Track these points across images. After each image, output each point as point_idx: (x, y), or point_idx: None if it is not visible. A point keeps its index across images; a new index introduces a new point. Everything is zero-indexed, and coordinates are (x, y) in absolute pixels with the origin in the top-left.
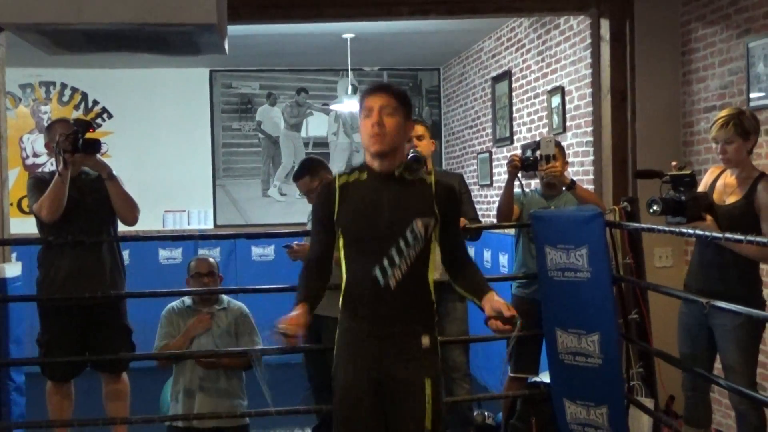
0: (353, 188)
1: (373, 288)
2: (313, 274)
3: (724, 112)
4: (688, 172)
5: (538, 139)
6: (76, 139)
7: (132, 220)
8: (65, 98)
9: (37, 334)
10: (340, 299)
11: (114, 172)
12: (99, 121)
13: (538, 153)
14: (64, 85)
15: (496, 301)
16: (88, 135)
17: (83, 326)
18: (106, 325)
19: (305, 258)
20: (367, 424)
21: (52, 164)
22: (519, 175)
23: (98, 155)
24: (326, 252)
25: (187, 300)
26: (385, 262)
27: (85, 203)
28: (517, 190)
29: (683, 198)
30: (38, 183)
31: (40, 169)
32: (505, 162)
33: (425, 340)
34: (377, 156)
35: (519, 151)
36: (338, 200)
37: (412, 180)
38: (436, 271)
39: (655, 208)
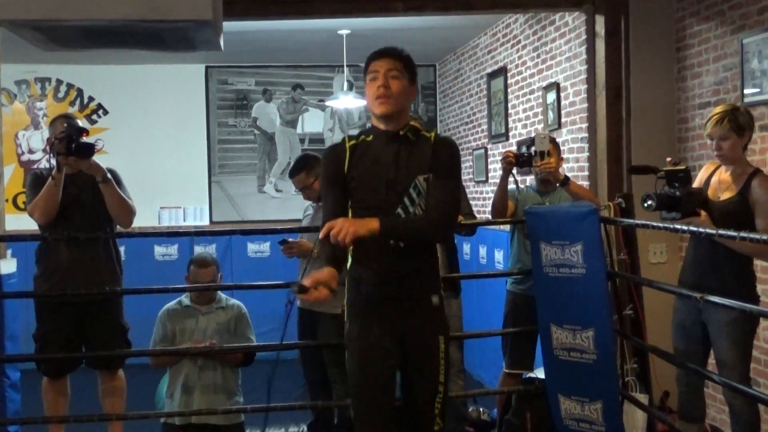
0: (361, 149)
1: (383, 248)
2: (333, 245)
3: (718, 109)
4: (682, 167)
5: (533, 135)
6: (69, 143)
7: (126, 223)
8: (61, 94)
9: (34, 329)
10: (349, 263)
11: (113, 172)
12: (94, 117)
13: (532, 149)
14: (59, 82)
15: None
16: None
17: (79, 322)
18: (102, 322)
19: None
20: (385, 381)
21: (47, 161)
22: (513, 171)
23: (93, 158)
24: (344, 214)
25: (185, 300)
26: None
27: (82, 200)
28: (511, 186)
29: (678, 194)
30: (36, 180)
31: (36, 165)
32: (500, 158)
33: (435, 299)
34: (383, 118)
35: (514, 147)
36: (348, 160)
37: (416, 139)
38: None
39: (649, 203)
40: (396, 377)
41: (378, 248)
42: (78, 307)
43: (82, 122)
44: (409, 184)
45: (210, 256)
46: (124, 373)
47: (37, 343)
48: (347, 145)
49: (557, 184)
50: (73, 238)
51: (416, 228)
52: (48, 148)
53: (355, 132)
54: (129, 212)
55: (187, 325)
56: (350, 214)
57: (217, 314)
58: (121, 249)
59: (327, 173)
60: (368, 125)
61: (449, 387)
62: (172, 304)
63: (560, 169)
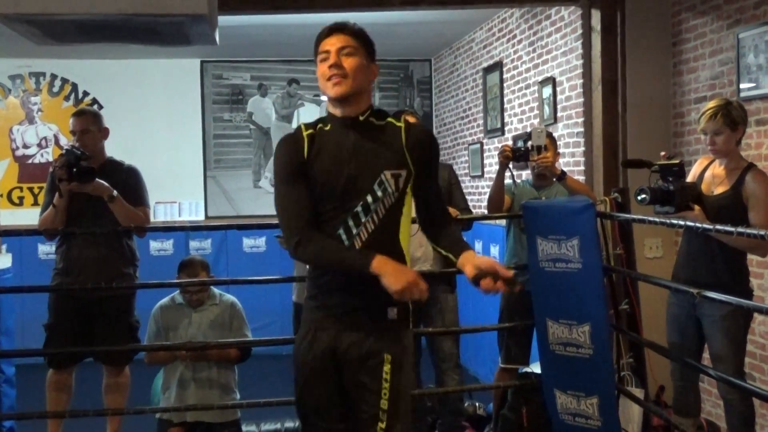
0: (318, 139)
1: None
2: (324, 238)
3: (712, 104)
4: (676, 161)
5: (529, 130)
6: (70, 170)
7: (139, 234)
8: (55, 89)
9: (46, 320)
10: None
11: (134, 172)
12: None
13: (529, 144)
14: (54, 76)
15: (480, 259)
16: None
17: (86, 318)
18: (110, 319)
19: (299, 226)
20: (326, 404)
21: (42, 155)
22: (510, 165)
23: (96, 179)
24: (311, 210)
25: (178, 297)
26: (351, 221)
27: (94, 201)
28: (507, 180)
29: (671, 188)
30: (51, 181)
31: (31, 161)
32: (497, 153)
33: (392, 312)
34: (338, 101)
35: (510, 142)
36: (306, 151)
37: (381, 126)
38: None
39: (643, 196)
40: (341, 394)
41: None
42: (86, 303)
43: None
44: (374, 180)
45: (200, 259)
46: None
47: (46, 333)
48: (304, 133)
49: (554, 179)
50: (85, 236)
51: (459, 241)
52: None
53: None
54: (139, 224)
55: (180, 322)
56: None
57: (211, 310)
58: None
59: (286, 165)
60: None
61: (445, 381)
62: (165, 300)
63: (556, 164)
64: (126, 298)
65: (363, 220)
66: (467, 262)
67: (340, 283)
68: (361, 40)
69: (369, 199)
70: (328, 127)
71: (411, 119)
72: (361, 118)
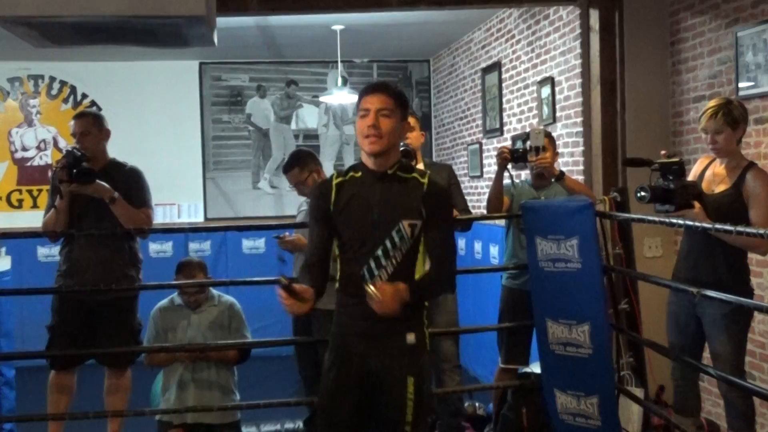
0: (348, 186)
1: (360, 288)
2: (313, 277)
3: (712, 103)
4: (676, 159)
5: (527, 130)
6: (70, 170)
7: (143, 236)
8: (54, 91)
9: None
10: (337, 296)
11: (136, 173)
12: None
13: (528, 144)
14: (52, 79)
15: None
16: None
17: (88, 320)
18: (112, 322)
19: (305, 259)
20: (350, 418)
21: (41, 158)
22: (509, 166)
23: (97, 181)
24: (325, 253)
25: (177, 299)
26: (372, 264)
27: (96, 202)
28: (506, 181)
29: (672, 186)
30: (54, 187)
31: (30, 163)
32: (496, 154)
33: (410, 338)
34: (372, 155)
35: (509, 142)
36: (334, 198)
37: (406, 179)
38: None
39: (642, 194)
40: (364, 413)
41: (356, 285)
42: (88, 305)
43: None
44: (392, 227)
45: (197, 261)
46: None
47: (49, 334)
48: (334, 182)
49: (552, 179)
50: (87, 238)
51: (437, 288)
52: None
53: (349, 127)
54: (141, 225)
55: (179, 323)
56: (337, 251)
57: (210, 312)
58: None
59: (312, 210)
60: None
61: (445, 382)
62: (164, 302)
63: (555, 164)
64: (129, 300)
65: (383, 263)
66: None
67: (364, 311)
68: (398, 101)
69: (388, 244)
70: (359, 175)
71: (411, 121)
72: (389, 171)
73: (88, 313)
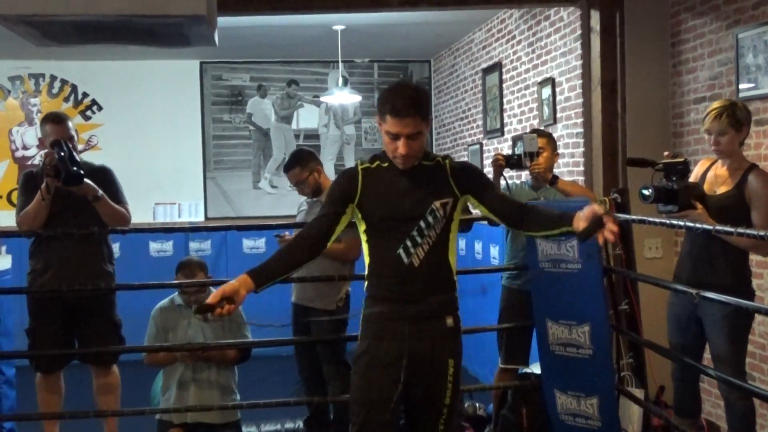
0: (376, 174)
1: (398, 267)
2: (300, 249)
3: (717, 104)
4: (680, 159)
5: (528, 131)
6: (58, 171)
7: (124, 232)
8: (55, 90)
9: (27, 324)
10: (365, 284)
11: (107, 171)
12: (89, 113)
13: (521, 149)
14: (53, 77)
15: (581, 217)
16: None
17: (69, 318)
18: (94, 318)
19: (303, 229)
20: (385, 398)
21: (41, 157)
22: (503, 172)
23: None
24: (329, 231)
25: (177, 298)
26: (408, 243)
27: (74, 200)
28: (502, 183)
29: (675, 187)
30: (28, 183)
31: (30, 162)
32: (491, 161)
33: (449, 321)
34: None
35: (509, 143)
36: (361, 184)
37: (430, 165)
38: None
39: (647, 193)
40: (400, 397)
41: (393, 266)
42: (68, 304)
43: (76, 119)
44: (425, 210)
45: (197, 260)
46: (119, 369)
47: (29, 339)
48: (360, 167)
49: (546, 184)
50: (66, 235)
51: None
52: (41, 145)
53: (350, 127)
54: (123, 221)
55: (179, 323)
56: (365, 238)
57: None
58: (116, 245)
59: (333, 191)
60: (362, 120)
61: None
62: (164, 302)
63: (555, 165)
64: (109, 295)
65: (420, 242)
66: (577, 222)
67: (404, 287)
68: (426, 115)
69: (422, 224)
70: (386, 164)
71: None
72: (416, 162)
73: (68, 312)
